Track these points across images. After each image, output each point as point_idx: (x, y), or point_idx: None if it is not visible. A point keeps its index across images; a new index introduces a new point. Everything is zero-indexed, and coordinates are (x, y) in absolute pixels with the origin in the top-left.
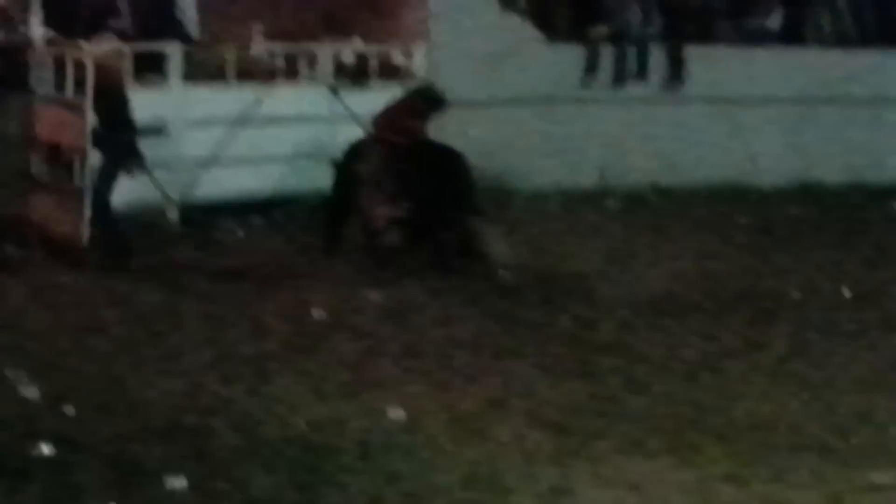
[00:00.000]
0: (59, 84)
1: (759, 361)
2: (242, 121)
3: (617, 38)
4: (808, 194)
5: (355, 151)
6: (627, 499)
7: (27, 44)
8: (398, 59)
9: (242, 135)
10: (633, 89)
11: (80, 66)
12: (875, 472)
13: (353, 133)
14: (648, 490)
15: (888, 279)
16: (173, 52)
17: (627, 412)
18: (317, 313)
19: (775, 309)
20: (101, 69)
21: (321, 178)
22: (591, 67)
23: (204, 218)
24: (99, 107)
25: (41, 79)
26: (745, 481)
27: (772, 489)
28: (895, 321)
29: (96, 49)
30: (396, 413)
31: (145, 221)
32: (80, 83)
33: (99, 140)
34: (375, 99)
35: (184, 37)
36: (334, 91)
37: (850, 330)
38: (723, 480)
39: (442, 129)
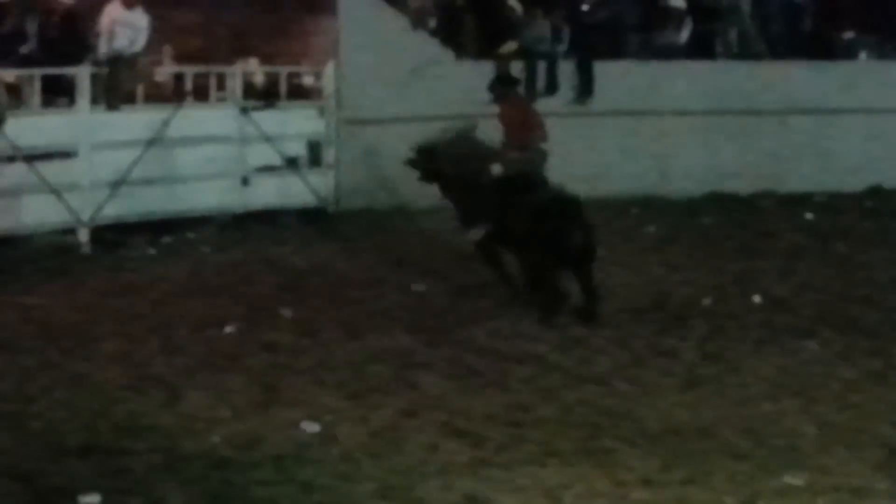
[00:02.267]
0: None
1: (672, 368)
2: (152, 142)
3: (526, 54)
4: (719, 204)
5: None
6: None
7: None
8: (308, 79)
9: (152, 155)
10: (543, 103)
11: None
12: (788, 475)
13: (263, 153)
14: (564, 496)
15: (798, 286)
16: (82, 75)
17: (541, 420)
18: (229, 329)
19: (686, 316)
20: None
21: (230, 197)
22: None
23: (114, 238)
24: None
25: None
26: (660, 485)
27: (687, 492)
28: (805, 327)
29: None
30: (310, 426)
31: (55, 243)
32: None
33: None
34: (285, 119)
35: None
36: (245, 111)
37: (760, 336)
38: (638, 485)
39: (354, 148)
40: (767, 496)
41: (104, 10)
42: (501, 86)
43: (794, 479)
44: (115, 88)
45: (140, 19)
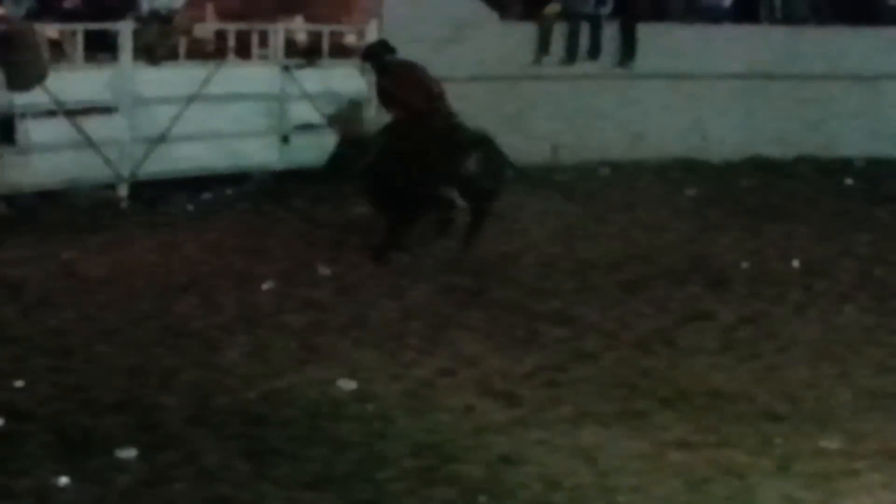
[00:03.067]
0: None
1: (709, 331)
2: (193, 98)
3: (570, 16)
4: (759, 168)
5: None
6: (578, 466)
7: None
8: (350, 38)
9: (193, 112)
10: (586, 66)
11: None
12: (823, 438)
13: (304, 111)
14: (599, 457)
15: (836, 252)
16: (124, 31)
17: (578, 381)
18: (266, 286)
19: (725, 280)
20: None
21: (270, 155)
22: (544, 45)
23: (153, 194)
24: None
25: None
26: (696, 447)
27: (722, 455)
28: (843, 292)
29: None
30: (347, 384)
31: (95, 198)
32: None
33: None
34: (327, 78)
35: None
36: (286, 69)
37: (798, 300)
38: (673, 447)
39: None
40: (803, 459)
41: None
42: (379, 54)
43: (829, 443)
44: (154, 44)
45: None
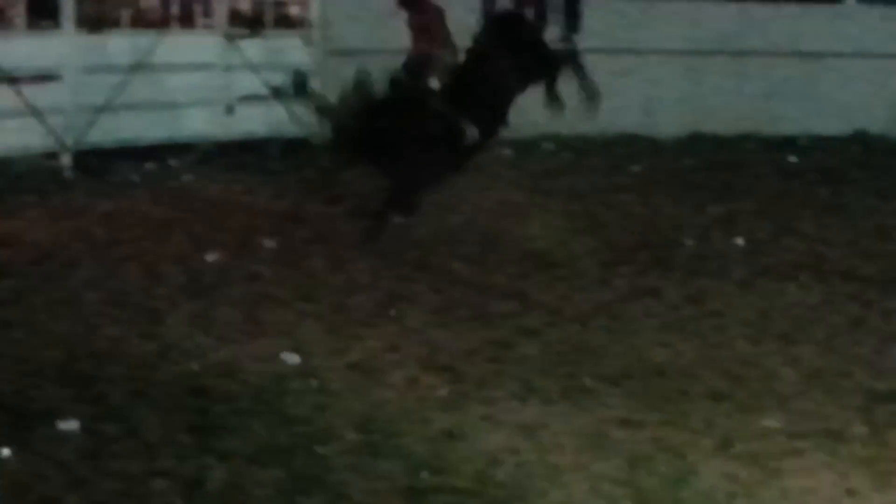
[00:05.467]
0: None
1: (653, 308)
2: (137, 67)
3: None
4: (703, 145)
5: None
6: (521, 443)
7: None
8: (294, 8)
9: (137, 81)
10: None
11: None
12: (765, 417)
13: (248, 81)
14: (542, 434)
15: (780, 229)
16: None
17: (521, 357)
18: (210, 258)
19: (668, 257)
20: None
21: (215, 126)
22: None
23: (98, 164)
24: None
25: None
26: (639, 425)
27: (665, 433)
28: (786, 270)
29: None
30: (291, 357)
31: (39, 167)
32: None
33: None
34: (270, 48)
35: None
36: (230, 39)
37: (741, 278)
38: (617, 425)
39: (340, 78)
40: (745, 438)
41: None
42: None
43: (772, 422)
44: (100, 12)
45: None
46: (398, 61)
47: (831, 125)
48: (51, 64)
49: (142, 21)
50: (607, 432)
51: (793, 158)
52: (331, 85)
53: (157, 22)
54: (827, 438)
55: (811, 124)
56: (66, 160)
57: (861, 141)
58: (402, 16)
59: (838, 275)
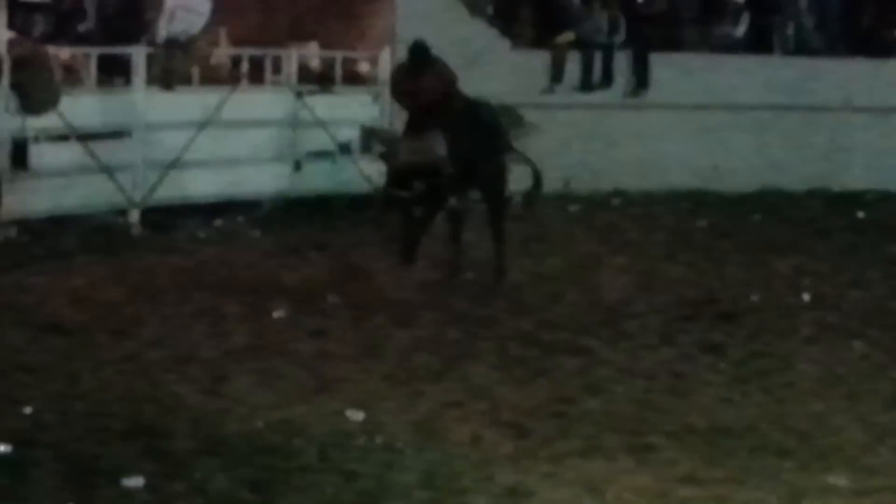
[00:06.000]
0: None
1: (718, 364)
2: (207, 124)
3: (583, 45)
4: (771, 200)
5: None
6: (585, 499)
7: None
8: (363, 65)
9: (206, 137)
10: (598, 95)
11: None
12: (831, 475)
13: (317, 138)
14: (606, 491)
15: (847, 284)
16: (138, 55)
17: (586, 414)
18: (276, 314)
19: (735, 313)
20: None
21: (282, 182)
22: (556, 73)
23: (166, 220)
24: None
25: None
26: (703, 482)
27: (729, 490)
28: (853, 326)
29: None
30: (355, 415)
31: (106, 223)
32: None
33: None
34: (339, 104)
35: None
36: (299, 96)
37: (808, 334)
38: (680, 481)
39: None
40: (811, 496)
41: None
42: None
43: (838, 480)
44: (171, 69)
45: (203, 4)
46: None
47: None
48: (120, 121)
49: (212, 78)
50: (672, 490)
51: (860, 214)
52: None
53: (226, 79)
54: (893, 495)
55: (879, 180)
56: (134, 217)
57: None
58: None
59: None
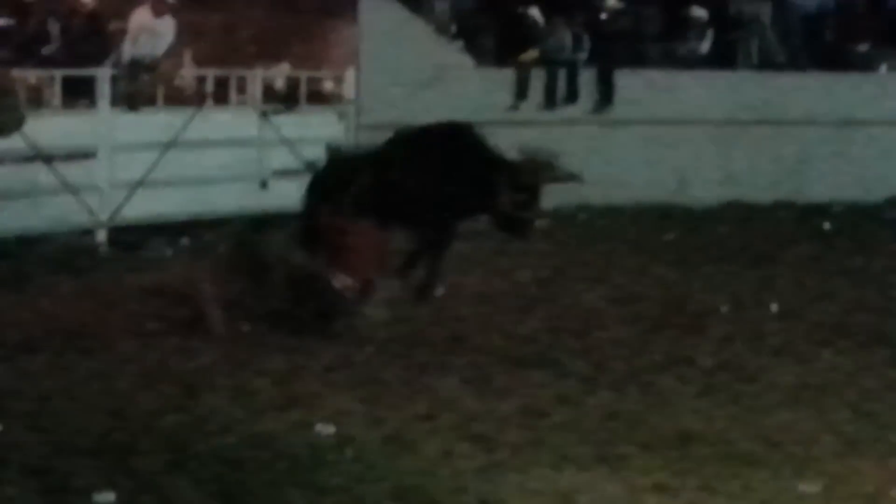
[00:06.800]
0: None
1: (688, 375)
2: (172, 144)
3: (547, 61)
4: (737, 213)
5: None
6: None
7: None
8: (328, 84)
9: (171, 157)
10: (563, 111)
11: None
12: (803, 483)
13: (282, 156)
14: (578, 501)
15: (814, 295)
16: (103, 77)
17: (556, 425)
18: (245, 329)
19: (704, 324)
20: None
21: (249, 200)
22: (521, 91)
23: (133, 239)
24: None
25: None
26: (674, 491)
27: (700, 499)
28: (821, 335)
29: None
30: (326, 428)
31: (73, 243)
32: None
33: None
34: (304, 123)
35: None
36: (264, 115)
37: (777, 344)
38: (651, 491)
39: None
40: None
41: (132, 16)
42: None
43: (809, 487)
44: (136, 91)
45: (167, 27)
46: None
47: (864, 192)
48: (86, 142)
49: (177, 98)
50: (643, 499)
51: (827, 225)
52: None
53: (191, 99)
54: (865, 502)
55: (845, 191)
56: (101, 236)
57: (894, 206)
58: (440, 86)
59: (873, 340)
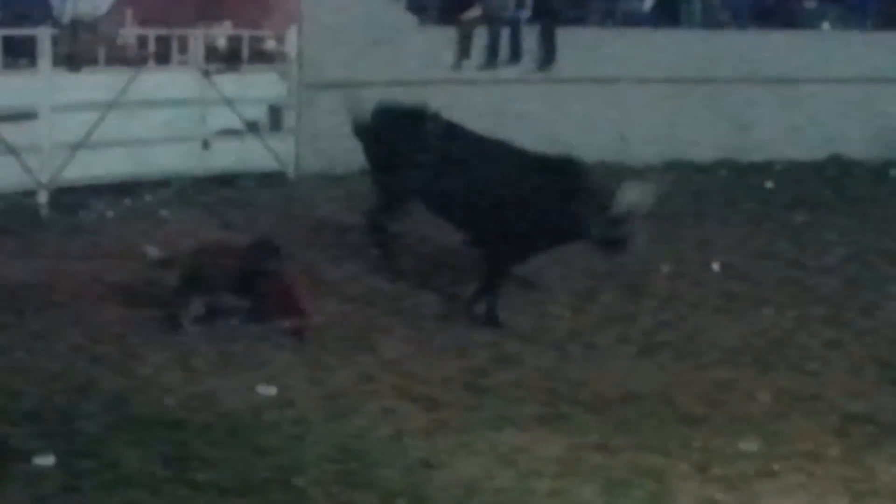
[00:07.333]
0: None
1: (629, 334)
2: (114, 104)
3: (489, 21)
4: (680, 171)
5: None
6: (498, 470)
7: None
8: (270, 43)
9: (113, 118)
10: (506, 70)
11: None
12: (742, 441)
13: (224, 116)
14: (519, 461)
15: (756, 254)
16: (43, 36)
17: (497, 385)
18: None
19: (645, 283)
20: None
21: (191, 161)
22: (464, 50)
23: (74, 201)
24: None
25: None
26: (615, 450)
27: (641, 457)
28: (762, 294)
29: None
30: (266, 390)
31: (15, 205)
32: None
33: None
34: (246, 83)
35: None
36: (206, 75)
37: (718, 303)
38: (592, 450)
39: (315, 112)
40: (722, 461)
41: None
42: None
43: (748, 445)
44: (77, 51)
45: None
46: (373, 95)
47: (807, 150)
48: (26, 102)
49: (118, 58)
50: (584, 458)
51: (769, 184)
52: (306, 119)
53: (133, 59)
54: (803, 460)
55: (787, 150)
56: (42, 198)
57: (837, 165)
58: (383, 45)
59: (813, 298)
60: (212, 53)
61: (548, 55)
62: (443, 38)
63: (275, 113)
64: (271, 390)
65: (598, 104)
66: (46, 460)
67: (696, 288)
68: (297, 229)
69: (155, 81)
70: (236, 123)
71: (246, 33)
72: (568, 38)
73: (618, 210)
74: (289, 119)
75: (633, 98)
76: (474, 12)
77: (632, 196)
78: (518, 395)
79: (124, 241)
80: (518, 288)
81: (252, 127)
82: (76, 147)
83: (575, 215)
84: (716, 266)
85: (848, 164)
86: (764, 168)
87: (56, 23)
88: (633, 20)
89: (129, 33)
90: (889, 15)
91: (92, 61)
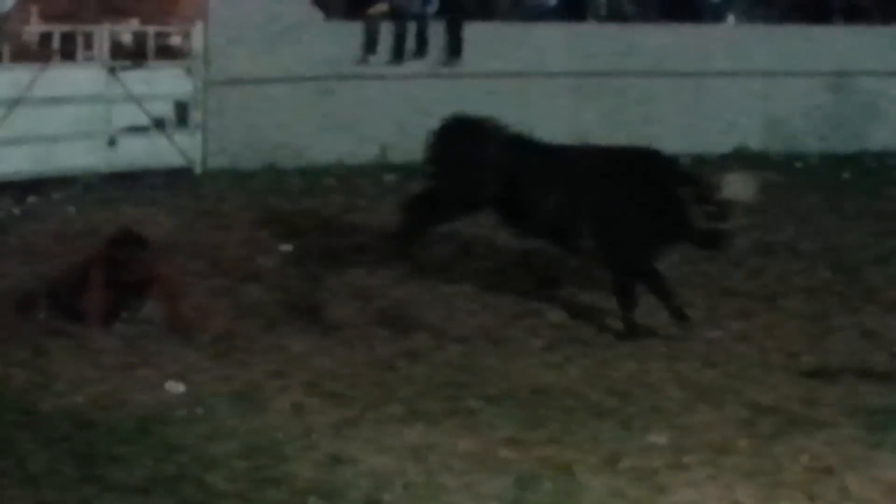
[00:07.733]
0: None
1: (537, 328)
2: (18, 101)
3: (396, 15)
4: None
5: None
6: (408, 465)
7: None
8: (176, 39)
9: (18, 115)
10: (412, 65)
11: None
12: (651, 434)
13: (130, 113)
14: (429, 456)
15: None
16: None
17: (406, 380)
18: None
19: (553, 276)
20: None
21: (97, 158)
22: (370, 44)
23: None
24: None
25: None
26: (525, 444)
27: (551, 452)
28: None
29: None
30: (175, 387)
31: None
32: None
33: None
34: (152, 79)
35: None
36: (112, 71)
37: None
38: (503, 444)
39: (222, 108)
40: (631, 454)
41: None
42: None
43: (657, 438)
44: None
45: None
46: (279, 91)
47: (712, 143)
48: None
49: (23, 55)
50: (494, 452)
51: None
52: (213, 115)
53: (38, 55)
54: (712, 452)
55: (692, 143)
56: None
57: (741, 157)
58: (288, 40)
59: (720, 291)
60: (118, 50)
61: (454, 50)
62: (349, 33)
63: (181, 109)
64: (179, 387)
65: (504, 99)
66: None
67: (605, 282)
68: (203, 225)
69: (60, 78)
70: (143, 120)
71: (152, 29)
72: (474, 33)
73: (722, 201)
74: (195, 115)
75: (539, 93)
76: (381, 7)
77: (737, 186)
78: (427, 390)
79: (31, 239)
80: (425, 283)
81: (158, 123)
82: None
83: (682, 207)
84: None
85: (751, 156)
86: None
87: None
88: (539, 14)
89: (34, 30)
90: (797, 5)
91: None
